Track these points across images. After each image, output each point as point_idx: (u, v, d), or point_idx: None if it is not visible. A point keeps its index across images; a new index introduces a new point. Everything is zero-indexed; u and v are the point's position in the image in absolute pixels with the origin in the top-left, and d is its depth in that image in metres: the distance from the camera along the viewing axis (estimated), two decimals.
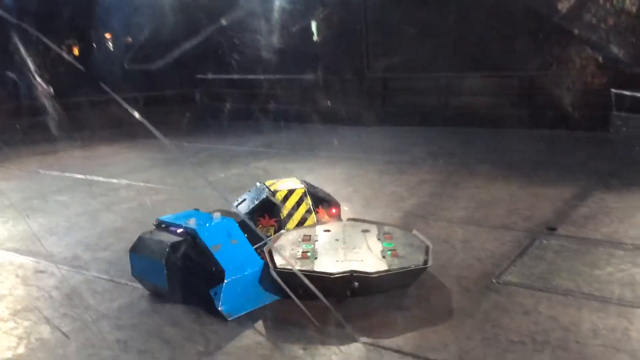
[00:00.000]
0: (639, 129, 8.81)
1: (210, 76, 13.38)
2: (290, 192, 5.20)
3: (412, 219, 5.97)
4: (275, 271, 3.95)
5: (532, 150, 9.03)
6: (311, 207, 5.19)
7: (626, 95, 8.89)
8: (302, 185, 5.36)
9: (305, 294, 3.72)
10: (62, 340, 3.88)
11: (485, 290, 4.30)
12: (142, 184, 8.00)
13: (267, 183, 5.46)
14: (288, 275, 3.89)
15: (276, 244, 4.42)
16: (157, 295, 4.35)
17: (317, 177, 7.97)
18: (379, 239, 4.43)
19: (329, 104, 11.85)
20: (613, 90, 9.12)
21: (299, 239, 4.52)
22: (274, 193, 5.18)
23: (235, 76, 12.88)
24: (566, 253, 4.93)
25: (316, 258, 4.15)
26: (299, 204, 5.18)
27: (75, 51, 13.70)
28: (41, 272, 5.04)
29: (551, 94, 10.26)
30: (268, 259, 4.08)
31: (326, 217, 5.29)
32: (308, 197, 5.25)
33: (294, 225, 5.06)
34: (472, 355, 3.47)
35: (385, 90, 11.92)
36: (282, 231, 4.79)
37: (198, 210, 4.82)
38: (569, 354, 3.41)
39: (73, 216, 6.66)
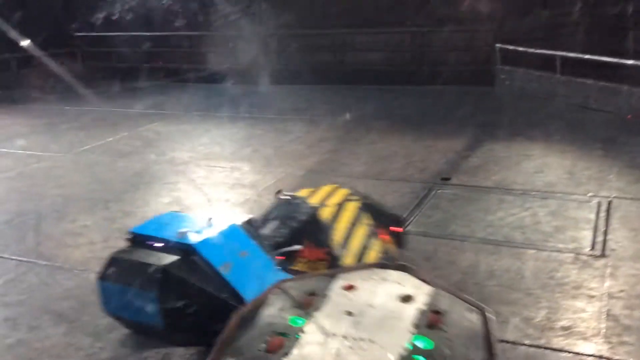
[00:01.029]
0: (521, 82, 9.31)
1: (92, 34, 12.46)
2: (340, 206, 3.56)
3: (314, 175, 5.96)
4: None
5: (424, 105, 9.30)
6: (373, 229, 3.54)
7: (509, 49, 9.33)
8: (354, 195, 3.71)
9: None
10: None
11: None
12: (20, 151, 7.36)
13: (301, 194, 3.76)
14: None
15: (264, 310, 2.67)
16: (144, 335, 3.24)
17: (214, 137, 7.75)
18: (416, 326, 2.47)
19: (223, 62, 11.46)
20: (497, 45, 9.53)
21: (298, 299, 2.72)
22: (317, 208, 3.51)
23: (120, 34, 12.09)
24: (460, 201, 5.15)
25: (286, 355, 2.35)
26: (354, 224, 3.51)
27: None
28: None
29: (440, 50, 10.58)
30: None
31: (385, 241, 3.58)
32: (366, 212, 3.60)
33: (353, 259, 3.38)
34: None
35: (280, 47, 11.72)
36: (284, 279, 2.96)
37: (176, 212, 3.64)
38: (468, 296, 3.56)
39: None
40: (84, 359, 3.12)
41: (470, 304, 2.63)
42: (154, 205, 5.31)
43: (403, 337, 2.46)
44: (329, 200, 3.60)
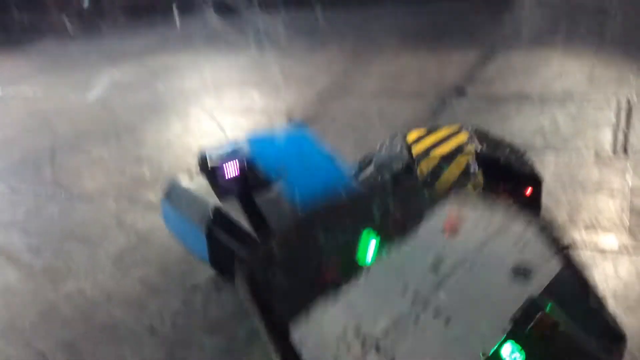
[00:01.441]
0: None
1: None
2: (446, 160, 2.62)
3: (325, 97, 5.87)
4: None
5: (435, 21, 8.98)
6: (489, 191, 2.60)
7: None
8: (469, 142, 2.72)
9: None
10: None
11: None
12: (28, 92, 7.31)
13: (411, 136, 2.85)
14: None
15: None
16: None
17: (220, 67, 7.62)
18: (514, 323, 1.68)
19: None
20: None
21: (379, 220, 2.02)
22: (414, 159, 2.66)
23: None
24: (476, 111, 5.04)
25: (334, 299, 1.75)
26: (461, 181, 2.62)
27: None
28: None
29: None
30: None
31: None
32: (478, 169, 2.61)
33: None
34: None
35: None
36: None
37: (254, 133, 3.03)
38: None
39: None
40: (111, 278, 3.17)
41: (607, 317, 1.75)
42: (165, 134, 5.29)
43: (491, 334, 1.66)
44: (438, 148, 2.70)
